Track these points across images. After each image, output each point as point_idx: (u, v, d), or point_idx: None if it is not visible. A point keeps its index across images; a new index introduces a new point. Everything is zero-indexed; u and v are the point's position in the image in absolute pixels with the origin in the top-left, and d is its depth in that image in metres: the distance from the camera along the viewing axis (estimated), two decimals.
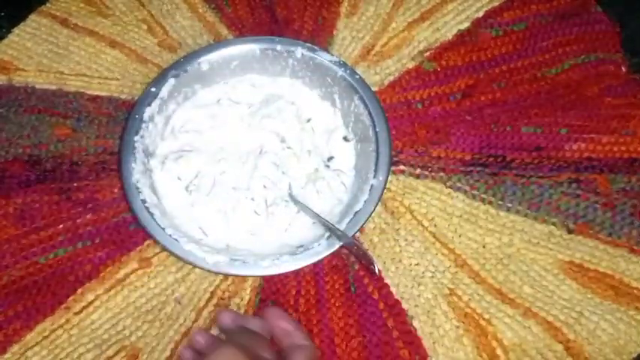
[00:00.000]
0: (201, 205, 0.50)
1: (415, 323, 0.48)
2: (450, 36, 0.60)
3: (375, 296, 0.49)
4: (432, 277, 0.50)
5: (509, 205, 0.53)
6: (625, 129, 0.55)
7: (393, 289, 0.50)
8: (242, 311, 0.49)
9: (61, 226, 0.52)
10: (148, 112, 0.51)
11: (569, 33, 0.60)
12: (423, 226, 0.52)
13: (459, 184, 0.54)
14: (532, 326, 0.48)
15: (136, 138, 0.50)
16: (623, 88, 0.57)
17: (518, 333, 0.47)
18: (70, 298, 0.49)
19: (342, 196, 0.52)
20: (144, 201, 0.48)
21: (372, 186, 0.49)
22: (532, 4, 0.61)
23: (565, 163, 0.54)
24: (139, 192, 0.48)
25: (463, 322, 0.48)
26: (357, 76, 0.53)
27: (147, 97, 0.52)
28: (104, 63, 0.59)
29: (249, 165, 0.52)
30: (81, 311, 0.48)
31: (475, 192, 0.53)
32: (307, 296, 0.49)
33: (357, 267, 0.50)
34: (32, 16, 0.61)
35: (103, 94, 0.58)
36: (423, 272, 0.50)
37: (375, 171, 0.50)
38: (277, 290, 0.50)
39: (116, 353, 0.47)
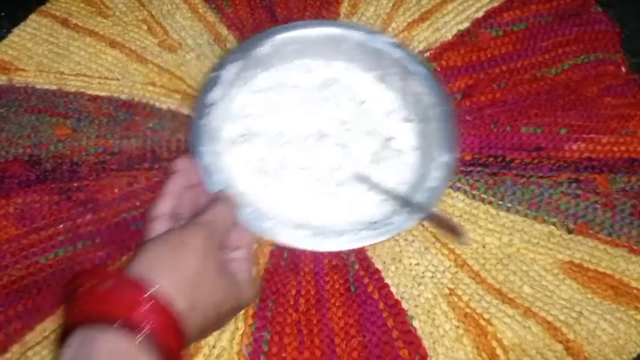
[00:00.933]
0: (270, 187, 0.52)
1: (415, 323, 0.48)
2: (449, 36, 0.60)
3: (375, 296, 0.49)
4: (432, 277, 0.50)
5: (509, 205, 0.53)
6: (625, 129, 0.55)
7: (393, 289, 0.50)
8: (242, 312, 0.48)
9: (61, 226, 0.52)
10: (210, 97, 0.53)
11: (569, 33, 0.60)
12: (422, 225, 0.52)
13: (458, 184, 0.54)
14: (532, 326, 0.48)
15: (203, 122, 0.52)
16: (623, 88, 0.57)
17: (518, 333, 0.47)
18: None
19: (405, 176, 0.53)
20: (218, 183, 0.49)
21: (442, 162, 0.51)
22: (532, 4, 0.62)
23: (565, 163, 0.54)
24: (212, 175, 0.50)
25: (463, 322, 0.48)
26: (413, 57, 0.54)
27: (209, 83, 0.54)
28: (104, 63, 0.59)
29: (312, 147, 0.54)
30: None
31: (475, 192, 0.53)
32: (307, 296, 0.49)
33: (357, 267, 0.50)
34: (32, 16, 0.61)
35: (103, 94, 0.58)
36: (423, 272, 0.50)
37: (442, 148, 0.51)
38: (277, 290, 0.49)
39: None
